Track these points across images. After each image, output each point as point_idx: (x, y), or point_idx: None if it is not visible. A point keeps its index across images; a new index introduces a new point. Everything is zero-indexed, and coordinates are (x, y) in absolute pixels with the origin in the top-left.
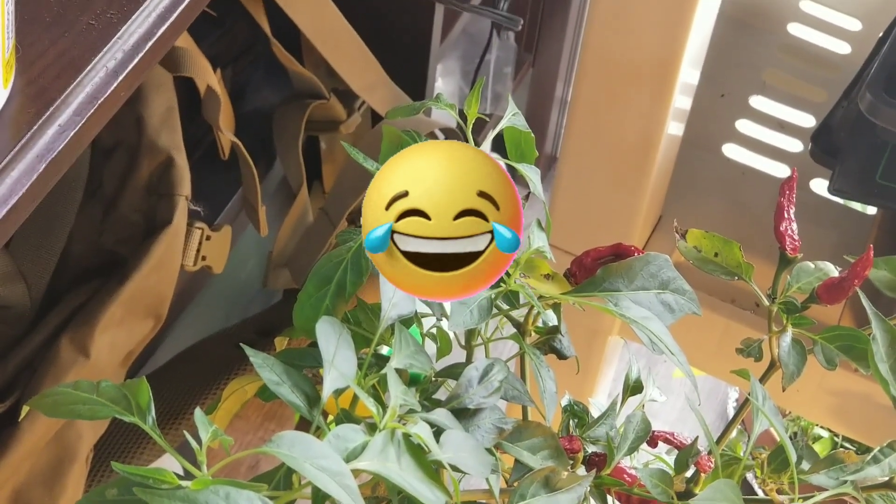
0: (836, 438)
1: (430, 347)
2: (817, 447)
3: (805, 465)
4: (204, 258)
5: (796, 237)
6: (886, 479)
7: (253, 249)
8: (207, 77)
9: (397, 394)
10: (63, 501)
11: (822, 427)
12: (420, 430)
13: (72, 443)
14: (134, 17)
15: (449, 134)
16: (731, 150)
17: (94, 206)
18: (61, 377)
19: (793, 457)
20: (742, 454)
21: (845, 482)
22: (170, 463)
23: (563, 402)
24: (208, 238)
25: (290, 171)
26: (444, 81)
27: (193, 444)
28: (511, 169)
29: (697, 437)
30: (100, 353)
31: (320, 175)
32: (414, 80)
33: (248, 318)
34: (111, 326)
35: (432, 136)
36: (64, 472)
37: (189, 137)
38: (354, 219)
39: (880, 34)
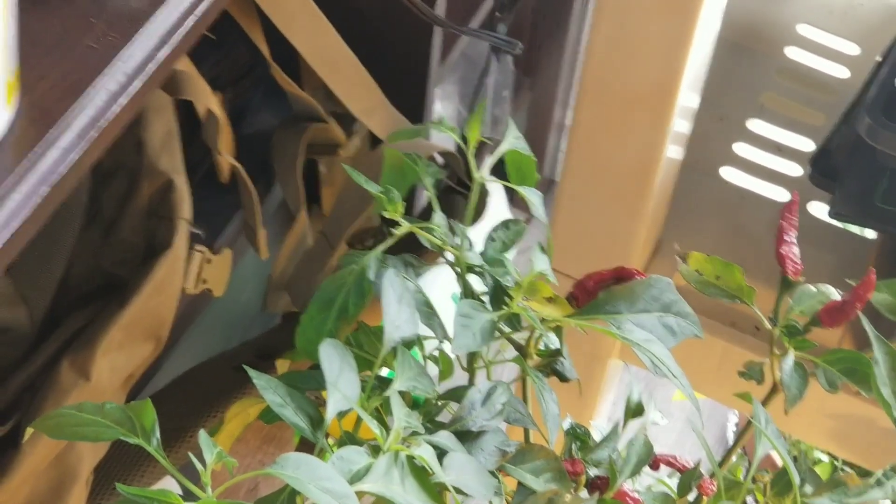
0: (836, 462)
1: (433, 370)
2: (817, 471)
3: (808, 489)
4: (204, 281)
5: (797, 260)
6: (889, 502)
7: (252, 272)
8: (207, 100)
9: (400, 416)
10: None
11: (821, 451)
12: (423, 453)
13: (72, 465)
14: (135, 39)
15: (448, 157)
16: (730, 174)
17: (95, 229)
18: (62, 400)
19: (796, 480)
20: (743, 478)
21: None
22: (170, 485)
23: (565, 425)
24: (209, 261)
25: (289, 194)
26: (442, 105)
27: (198, 465)
28: (512, 192)
29: (700, 460)
30: (100, 375)
31: (319, 198)
32: (413, 104)
33: (248, 340)
34: (112, 349)
35: (431, 158)
36: (64, 495)
37: (189, 160)
38: (353, 242)
39: (878, 58)
